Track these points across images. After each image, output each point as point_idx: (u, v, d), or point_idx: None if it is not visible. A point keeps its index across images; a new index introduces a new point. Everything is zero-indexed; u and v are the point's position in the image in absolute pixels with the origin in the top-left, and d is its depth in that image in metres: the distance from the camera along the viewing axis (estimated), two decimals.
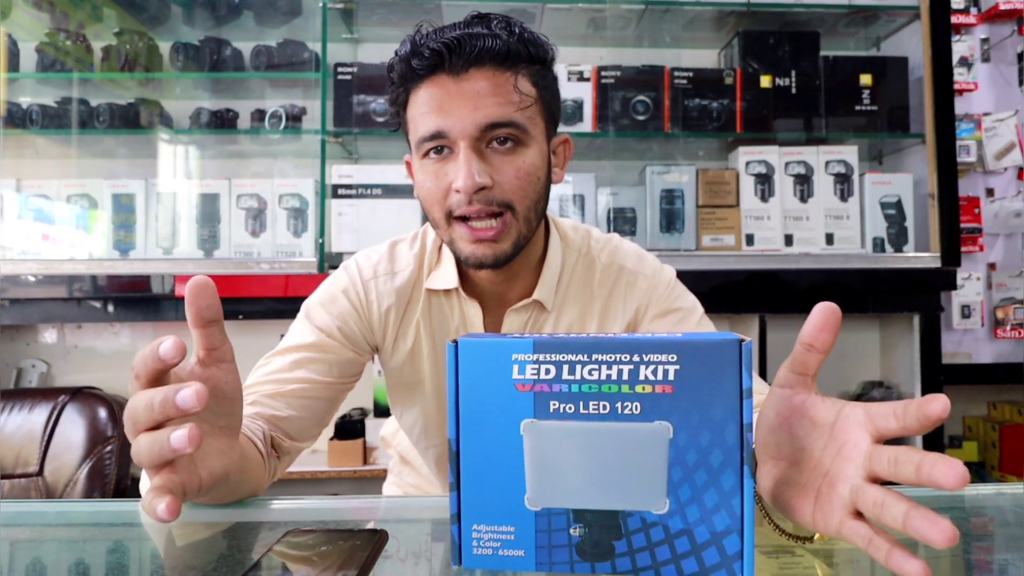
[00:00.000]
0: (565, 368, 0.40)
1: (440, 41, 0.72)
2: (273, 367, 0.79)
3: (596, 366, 0.40)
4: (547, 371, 0.41)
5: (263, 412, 0.74)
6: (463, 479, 0.42)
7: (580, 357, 0.40)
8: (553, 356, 0.40)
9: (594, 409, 0.40)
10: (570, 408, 0.40)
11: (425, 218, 1.87)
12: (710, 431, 0.39)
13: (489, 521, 0.42)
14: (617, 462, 0.40)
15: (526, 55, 0.75)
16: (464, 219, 0.75)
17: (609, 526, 0.40)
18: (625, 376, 0.39)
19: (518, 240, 0.77)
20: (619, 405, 0.40)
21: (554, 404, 0.40)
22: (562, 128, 1.87)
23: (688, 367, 0.39)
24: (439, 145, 0.74)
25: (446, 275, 0.85)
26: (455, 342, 0.42)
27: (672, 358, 0.39)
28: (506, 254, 0.76)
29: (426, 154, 0.76)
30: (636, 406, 0.39)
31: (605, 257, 0.89)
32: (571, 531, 0.41)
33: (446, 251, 0.86)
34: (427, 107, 0.74)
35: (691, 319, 0.86)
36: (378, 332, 0.86)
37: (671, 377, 0.39)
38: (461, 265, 0.83)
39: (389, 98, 0.81)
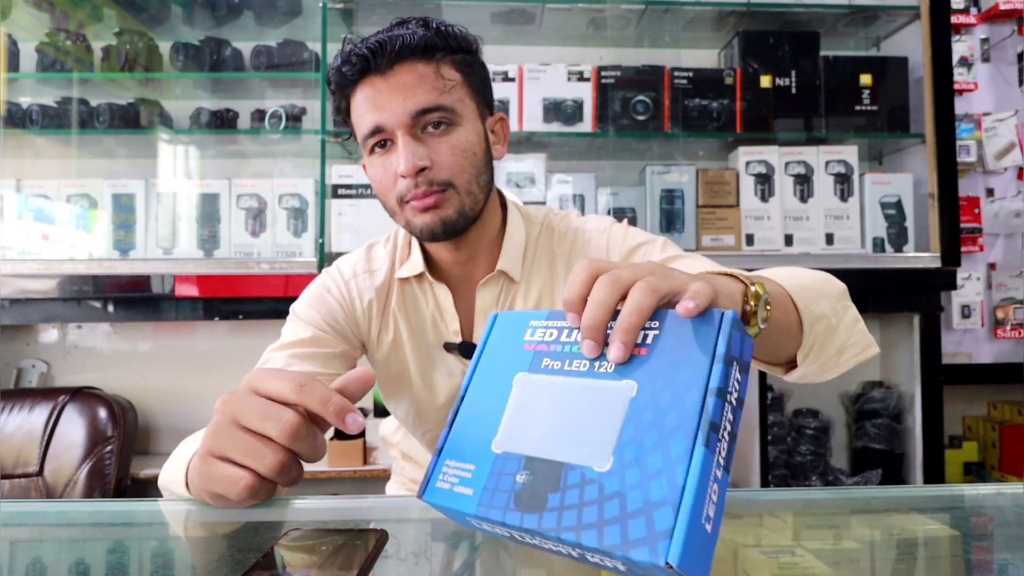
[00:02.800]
0: (564, 332, 0.45)
1: (365, 47, 0.79)
2: (274, 365, 0.82)
3: None
4: (551, 334, 0.45)
5: None
6: (457, 420, 0.46)
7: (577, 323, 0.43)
8: (558, 323, 0.45)
9: (576, 367, 0.42)
10: (557, 365, 0.43)
11: None
12: (672, 393, 0.37)
13: (459, 458, 0.44)
14: (576, 416, 0.40)
15: (444, 45, 0.81)
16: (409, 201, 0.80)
17: (550, 477, 0.39)
18: None
19: (462, 209, 0.82)
20: (596, 364, 0.41)
21: (546, 361, 0.44)
22: (562, 128, 1.88)
23: (668, 332, 0.40)
24: (380, 139, 0.80)
25: (413, 263, 0.91)
26: (496, 315, 0.49)
27: (655, 324, 0.40)
28: (452, 220, 0.81)
29: (372, 150, 0.82)
30: (610, 366, 0.41)
31: (563, 225, 0.94)
32: (517, 477, 0.40)
33: (415, 243, 0.92)
34: (364, 107, 0.80)
35: (654, 248, 0.88)
36: (363, 326, 0.91)
37: (648, 341, 0.40)
38: (426, 251, 0.90)
39: (334, 108, 0.88)
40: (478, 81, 0.85)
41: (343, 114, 0.86)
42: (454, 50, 0.82)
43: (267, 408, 0.47)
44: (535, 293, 0.91)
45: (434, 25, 0.82)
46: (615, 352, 0.40)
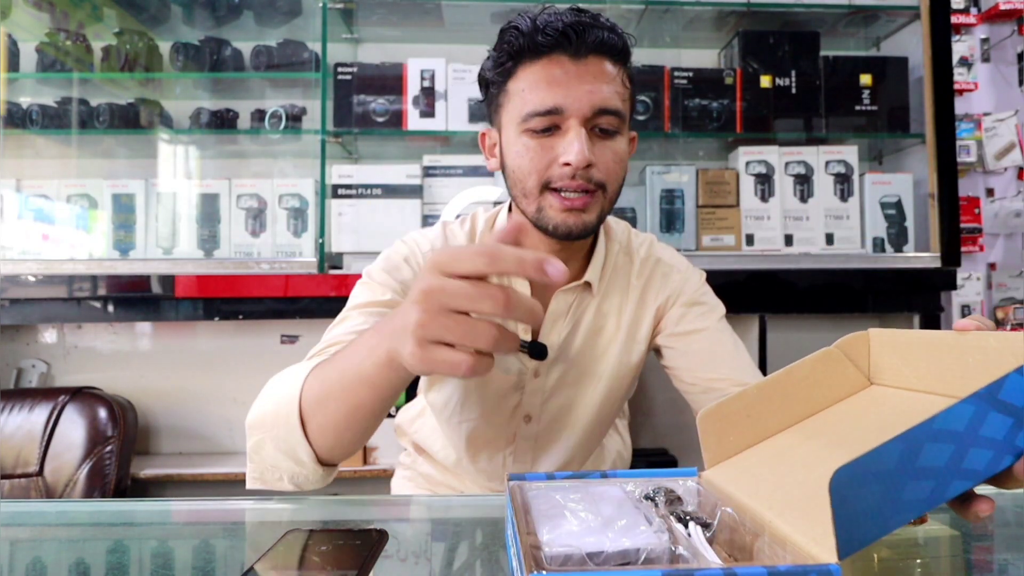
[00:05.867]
0: None
1: (564, 23, 0.77)
2: (355, 322, 0.82)
3: None
4: None
5: None
6: None
7: None
8: None
9: None
10: None
11: (425, 219, 1.87)
12: None
13: None
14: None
15: (628, 55, 0.83)
16: (557, 191, 0.80)
17: None
18: None
19: (601, 215, 0.83)
20: None
21: None
22: None
23: None
24: (550, 122, 0.79)
25: None
26: None
27: None
28: (592, 224, 0.83)
29: (529, 128, 0.80)
30: None
31: (644, 251, 0.97)
32: None
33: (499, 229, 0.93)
34: (542, 82, 0.78)
35: (713, 315, 0.93)
36: None
37: None
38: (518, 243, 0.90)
39: (489, 66, 0.85)
40: (634, 96, 0.87)
41: (498, 76, 0.83)
42: (629, 62, 0.84)
43: (472, 289, 0.49)
44: (605, 308, 0.94)
45: (619, 31, 0.82)
46: None
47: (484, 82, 0.87)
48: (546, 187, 0.81)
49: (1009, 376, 0.39)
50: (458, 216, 1.02)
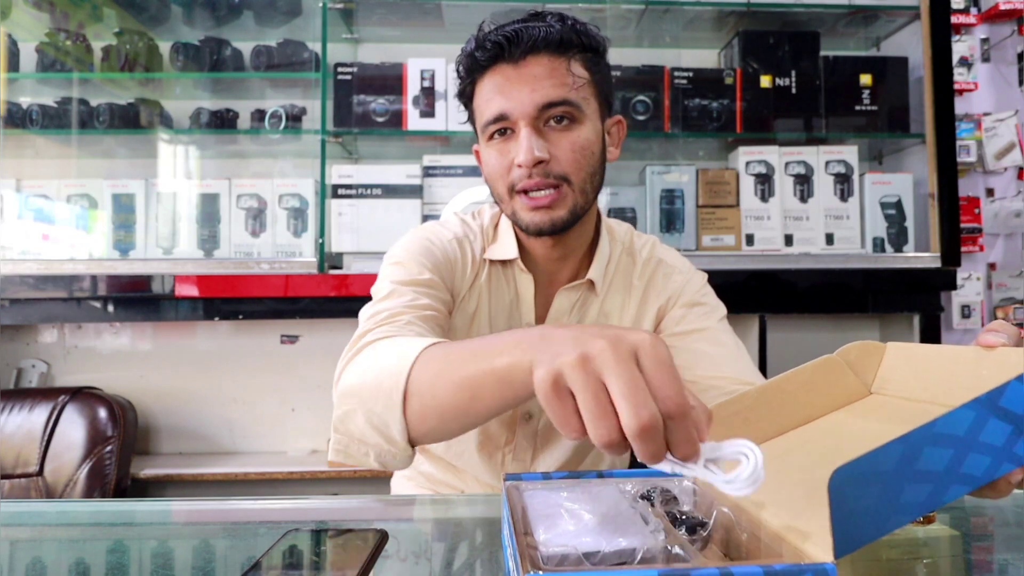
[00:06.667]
0: None
1: (500, 34, 0.80)
2: (410, 297, 0.80)
3: None
4: None
5: (423, 334, 0.74)
6: None
7: None
8: None
9: None
10: None
11: (425, 219, 1.88)
12: None
13: None
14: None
15: (578, 43, 0.83)
16: (524, 192, 0.83)
17: None
18: None
19: (574, 208, 0.84)
20: None
21: None
22: None
23: None
24: (502, 127, 0.83)
25: (505, 246, 0.92)
26: None
27: None
28: (563, 219, 0.83)
29: (491, 136, 0.84)
30: None
31: (646, 252, 0.97)
32: None
33: (502, 226, 0.94)
34: (490, 94, 0.82)
35: (714, 316, 0.94)
36: (456, 288, 0.91)
37: None
38: (520, 240, 0.91)
39: (457, 92, 0.90)
40: (603, 82, 0.87)
41: (466, 98, 0.88)
42: (585, 48, 0.84)
43: (638, 393, 0.40)
44: (607, 308, 0.95)
45: (569, 21, 0.83)
46: None
47: (463, 104, 0.91)
48: (512, 190, 0.84)
49: (1010, 384, 0.39)
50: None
